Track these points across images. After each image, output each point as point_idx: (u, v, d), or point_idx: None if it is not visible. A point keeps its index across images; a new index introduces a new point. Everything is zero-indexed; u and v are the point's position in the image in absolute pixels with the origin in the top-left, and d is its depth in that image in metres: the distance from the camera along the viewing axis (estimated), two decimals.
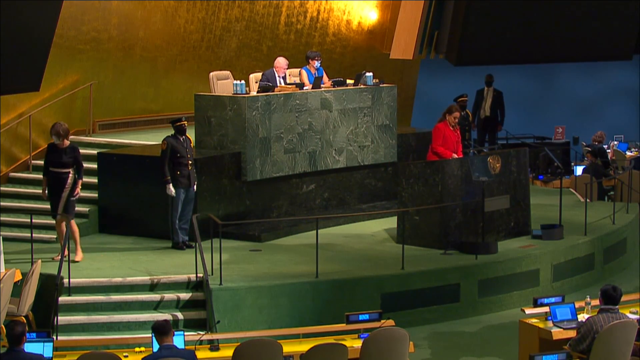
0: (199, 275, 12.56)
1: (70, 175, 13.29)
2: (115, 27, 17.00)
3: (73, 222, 13.40)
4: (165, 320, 9.11)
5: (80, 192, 13.43)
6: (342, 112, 15.95)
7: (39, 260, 12.24)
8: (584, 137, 22.77)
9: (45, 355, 9.30)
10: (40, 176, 15.24)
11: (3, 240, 12.55)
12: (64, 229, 13.11)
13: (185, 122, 14.07)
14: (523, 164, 14.93)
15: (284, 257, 13.77)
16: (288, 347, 10.08)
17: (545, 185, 19.33)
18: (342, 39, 20.08)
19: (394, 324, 10.71)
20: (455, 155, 14.49)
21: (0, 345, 10.99)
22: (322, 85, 15.88)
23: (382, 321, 10.71)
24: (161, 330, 8.98)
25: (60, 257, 12.33)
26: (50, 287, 12.22)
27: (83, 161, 13.49)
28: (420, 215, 14.28)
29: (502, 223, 14.59)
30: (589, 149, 19.29)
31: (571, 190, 18.17)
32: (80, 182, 13.37)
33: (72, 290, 12.35)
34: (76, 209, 14.84)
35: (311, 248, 13.31)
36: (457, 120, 14.68)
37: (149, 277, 12.65)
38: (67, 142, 13.33)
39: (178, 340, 9.41)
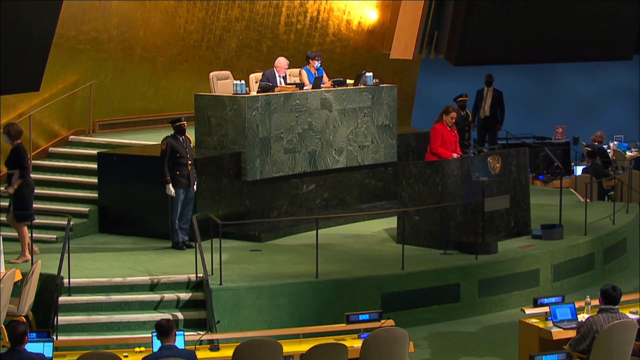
0: (199, 275, 12.55)
1: (14, 176, 13.15)
2: (115, 27, 16.99)
3: (23, 227, 13.34)
4: (168, 320, 9.10)
5: (10, 190, 13.11)
6: (342, 112, 15.95)
7: (39, 260, 12.25)
8: (584, 137, 22.75)
9: (45, 355, 9.30)
10: (39, 176, 15.33)
11: (3, 240, 12.55)
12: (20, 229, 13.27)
13: (185, 122, 14.06)
14: (523, 164, 14.92)
15: (284, 257, 13.76)
16: (288, 347, 10.07)
17: (545, 185, 19.33)
18: (342, 39, 20.07)
19: (394, 324, 10.71)
20: (455, 155, 14.50)
21: (1, 346, 10.99)
22: (322, 85, 15.87)
23: (382, 321, 10.71)
24: (163, 330, 8.98)
25: (21, 260, 12.74)
26: (50, 287, 12.21)
27: (83, 162, 13.42)
28: (420, 215, 14.28)
29: (502, 223, 14.59)
30: (589, 149, 19.28)
31: (571, 190, 18.17)
32: (17, 182, 13.09)
33: (72, 290, 12.34)
34: (76, 208, 14.89)
35: (311, 248, 13.31)
36: (454, 120, 14.67)
37: (149, 277, 12.64)
38: (16, 143, 13.29)
39: (178, 340, 9.39)
